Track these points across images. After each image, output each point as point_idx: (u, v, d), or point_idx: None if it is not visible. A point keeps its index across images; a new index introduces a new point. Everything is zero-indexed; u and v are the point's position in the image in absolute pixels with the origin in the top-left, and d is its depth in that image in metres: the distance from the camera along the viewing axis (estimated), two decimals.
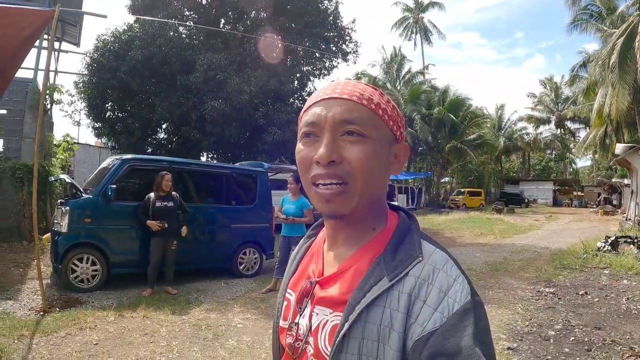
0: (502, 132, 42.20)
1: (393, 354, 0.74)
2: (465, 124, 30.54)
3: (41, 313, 5.38)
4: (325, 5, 18.32)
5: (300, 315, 0.89)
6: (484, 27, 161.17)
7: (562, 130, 46.37)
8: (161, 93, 15.46)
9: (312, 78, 19.33)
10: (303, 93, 18.75)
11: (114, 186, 6.24)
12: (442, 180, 38.55)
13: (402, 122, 0.88)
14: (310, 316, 0.86)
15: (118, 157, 7.17)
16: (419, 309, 0.73)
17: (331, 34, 18.05)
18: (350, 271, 0.83)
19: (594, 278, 7.86)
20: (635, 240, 10.62)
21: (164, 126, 17.46)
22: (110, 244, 6.33)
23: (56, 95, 12.08)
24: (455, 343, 0.68)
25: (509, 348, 4.52)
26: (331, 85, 0.85)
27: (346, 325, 0.77)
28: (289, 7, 16.92)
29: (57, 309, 5.47)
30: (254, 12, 17.91)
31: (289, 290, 0.97)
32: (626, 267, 8.43)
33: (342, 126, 0.80)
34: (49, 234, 9.40)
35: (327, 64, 18.87)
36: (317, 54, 18.07)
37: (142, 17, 15.92)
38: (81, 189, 6.64)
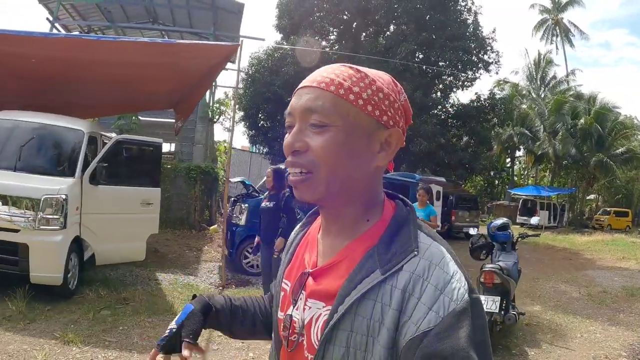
0: None
1: (381, 350, 0.74)
2: (613, 135, 28.38)
3: (220, 288, 6.90)
4: (464, 16, 18.75)
5: (294, 307, 0.90)
6: (634, 21, 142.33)
7: None
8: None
9: (454, 89, 19.81)
10: (447, 104, 19.31)
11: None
12: (587, 198, 36.02)
13: (391, 106, 0.84)
14: (304, 309, 0.87)
15: None
16: (413, 306, 0.73)
17: (472, 44, 18.39)
18: (343, 263, 0.84)
19: None
20: None
21: None
22: None
23: (223, 108, 14.30)
24: (450, 345, 0.68)
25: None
26: (312, 74, 0.85)
27: (335, 317, 0.78)
28: (428, 20, 17.62)
29: (233, 286, 6.94)
30: (393, 26, 18.77)
31: (285, 280, 0.98)
32: None
33: (307, 115, 0.81)
34: (215, 226, 11.33)
35: (469, 75, 19.20)
36: (459, 65, 18.45)
37: (293, 47, 17.46)
38: (257, 190, 8.20)
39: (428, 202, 7.24)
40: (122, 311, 5.39)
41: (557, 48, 42.41)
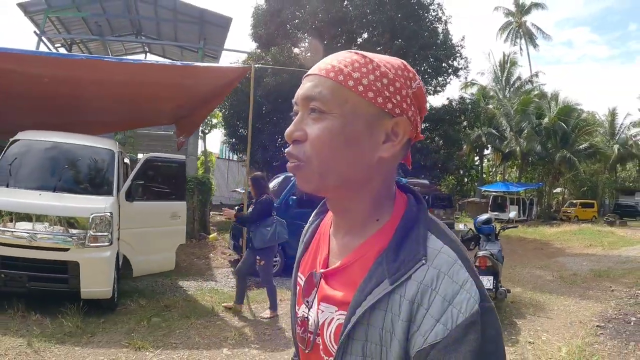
0: (616, 138, 39.53)
1: (395, 359, 0.74)
2: (576, 132, 30.22)
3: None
4: (435, 25, 19.90)
5: (308, 307, 0.91)
6: (595, 20, 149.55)
7: None
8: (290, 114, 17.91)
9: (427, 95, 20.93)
10: None
11: (295, 197, 8.47)
12: (554, 191, 37.93)
13: (398, 92, 0.79)
14: (317, 312, 0.87)
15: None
16: (421, 317, 0.72)
17: (442, 52, 19.46)
18: (354, 267, 0.83)
19: None
20: None
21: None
22: (290, 242, 8.35)
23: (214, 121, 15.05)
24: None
25: (597, 326, 6.15)
26: (318, 62, 0.83)
27: (348, 327, 0.78)
28: (401, 30, 18.61)
29: (253, 288, 7.71)
30: (367, 35, 19.75)
31: (299, 275, 0.99)
32: None
33: (307, 103, 0.80)
34: (214, 234, 12.05)
35: (440, 81, 20.45)
36: (429, 71, 19.69)
37: (278, 68, 18.12)
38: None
39: None
40: (170, 317, 5.84)
41: (520, 49, 44.56)
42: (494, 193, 31.26)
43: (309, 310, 0.90)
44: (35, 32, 16.09)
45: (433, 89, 20.63)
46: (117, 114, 9.08)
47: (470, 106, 21.58)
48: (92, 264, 5.46)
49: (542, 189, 34.69)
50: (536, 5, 43.81)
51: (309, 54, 19.27)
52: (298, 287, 0.97)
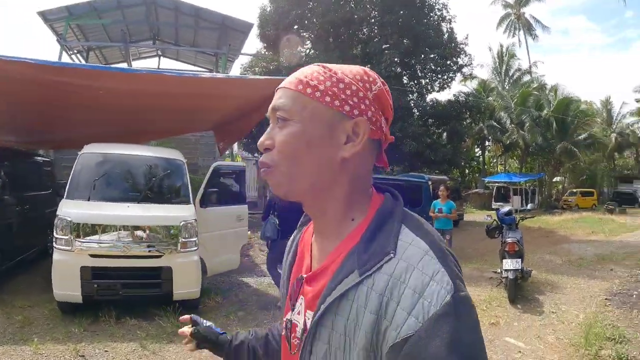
0: (614, 127, 41.29)
1: (359, 351, 0.76)
2: (576, 123, 31.48)
3: None
4: (441, 25, 21.13)
5: (293, 311, 0.94)
6: (591, 8, 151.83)
7: None
8: None
9: (434, 91, 22.24)
10: (427, 107, 21.35)
11: None
12: (554, 181, 39.31)
13: (355, 95, 0.84)
14: (305, 319, 0.90)
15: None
16: (392, 311, 0.73)
17: (448, 51, 20.70)
18: (330, 268, 0.86)
19: None
20: None
21: None
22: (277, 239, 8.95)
23: None
24: (430, 352, 0.68)
25: (606, 299, 7.49)
26: None
27: (318, 314, 0.82)
28: (409, 31, 19.76)
29: None
30: (378, 36, 20.68)
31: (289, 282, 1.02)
32: None
33: (274, 114, 0.86)
34: (249, 232, 13.19)
35: (445, 78, 21.74)
36: (436, 69, 21.09)
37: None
38: None
39: (448, 197, 9.57)
40: (251, 309, 6.59)
41: (519, 41, 45.68)
42: (497, 184, 32.46)
43: (297, 315, 0.93)
44: (58, 40, 17.03)
45: (439, 86, 21.88)
46: (162, 123, 9.52)
47: (473, 100, 23.00)
48: (184, 268, 6.00)
49: (543, 179, 35.93)
50: None
51: (317, 54, 20.04)
52: (287, 294, 1.01)
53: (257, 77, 9.73)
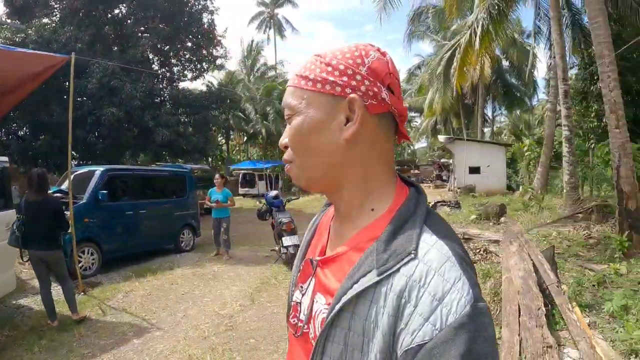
0: None
1: (377, 353, 0.74)
2: None
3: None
4: (202, 16, 20.77)
5: (302, 293, 0.95)
6: (337, 17, 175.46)
7: None
8: (53, 97, 16.68)
9: (184, 79, 22.13)
10: (179, 95, 20.56)
11: (105, 191, 8.58)
12: None
13: (344, 74, 0.84)
14: (312, 302, 0.90)
15: (98, 167, 9.36)
16: (409, 315, 0.72)
17: (206, 41, 20.90)
18: (346, 257, 0.85)
19: None
20: (449, 203, 16.66)
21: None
22: (105, 238, 8.73)
23: None
24: None
25: None
26: None
27: (332, 314, 0.80)
28: (170, 17, 19.22)
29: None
30: (136, 17, 19.48)
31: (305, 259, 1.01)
32: None
33: (285, 114, 0.90)
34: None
35: (200, 68, 21.90)
36: (190, 57, 21.08)
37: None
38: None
39: (224, 185, 9.98)
40: (53, 335, 5.43)
41: (268, 38, 49.03)
42: (243, 171, 33.76)
43: (302, 296, 0.94)
44: None
45: (193, 75, 22.04)
46: None
47: (225, 91, 23.89)
48: None
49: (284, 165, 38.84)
50: (289, 0, 49.00)
51: (71, 29, 17.70)
52: (298, 273, 1.01)
53: (25, 50, 8.16)
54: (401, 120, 0.88)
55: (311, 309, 0.90)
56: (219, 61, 22.40)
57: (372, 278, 0.76)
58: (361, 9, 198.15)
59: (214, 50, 21.64)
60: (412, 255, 0.75)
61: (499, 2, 13.56)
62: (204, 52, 21.23)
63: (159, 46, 19.99)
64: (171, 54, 20.81)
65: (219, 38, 21.44)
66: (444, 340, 0.68)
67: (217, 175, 10.19)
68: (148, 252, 10.00)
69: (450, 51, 21.72)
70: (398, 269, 0.75)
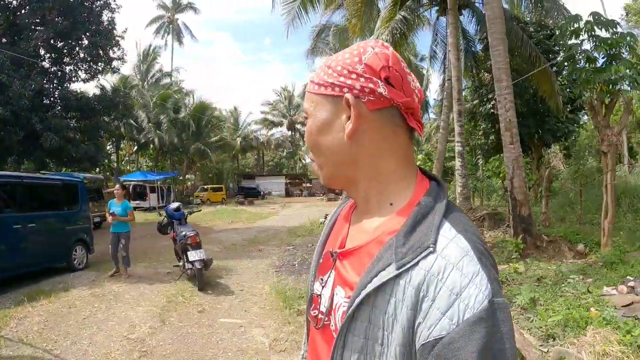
0: (239, 132, 49.25)
1: (396, 347, 0.76)
2: (209, 127, 34.77)
3: None
4: (103, 13, 19.73)
5: (322, 285, 0.96)
6: (236, 28, 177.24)
7: (292, 132, 57.01)
8: None
9: (75, 80, 20.43)
10: (70, 96, 19.21)
11: None
12: (187, 177, 42.14)
13: (341, 74, 0.86)
14: (332, 294, 0.91)
15: None
16: (427, 308, 0.72)
17: (104, 41, 19.59)
18: (366, 249, 0.86)
19: (316, 236, 12.91)
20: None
21: None
22: None
23: None
24: (462, 358, 0.67)
25: (275, 271, 9.08)
26: None
27: (352, 307, 0.80)
28: (70, 11, 17.97)
29: None
30: (31, 9, 17.91)
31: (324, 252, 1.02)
32: None
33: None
34: None
35: (95, 69, 20.48)
36: (84, 57, 19.77)
37: None
38: None
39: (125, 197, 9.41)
40: None
41: (166, 44, 47.66)
42: (133, 182, 32.43)
43: (322, 288, 0.95)
44: None
45: (88, 77, 20.54)
46: None
47: (121, 96, 22.63)
48: None
49: (177, 177, 38.04)
50: (191, 6, 48.11)
51: None
52: (317, 265, 1.03)
53: None
54: (409, 113, 0.88)
55: (332, 301, 0.91)
56: (115, 63, 21.11)
57: (391, 272, 0.77)
58: (262, 22, 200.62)
59: (112, 51, 20.58)
60: (431, 249, 0.76)
61: (402, 26, 14.37)
62: (100, 52, 20.02)
63: (52, 42, 18.59)
64: (65, 51, 19.37)
65: (117, 38, 20.44)
66: (461, 335, 0.68)
67: (117, 186, 9.66)
68: (37, 272, 8.85)
69: None
70: (417, 263, 0.76)
